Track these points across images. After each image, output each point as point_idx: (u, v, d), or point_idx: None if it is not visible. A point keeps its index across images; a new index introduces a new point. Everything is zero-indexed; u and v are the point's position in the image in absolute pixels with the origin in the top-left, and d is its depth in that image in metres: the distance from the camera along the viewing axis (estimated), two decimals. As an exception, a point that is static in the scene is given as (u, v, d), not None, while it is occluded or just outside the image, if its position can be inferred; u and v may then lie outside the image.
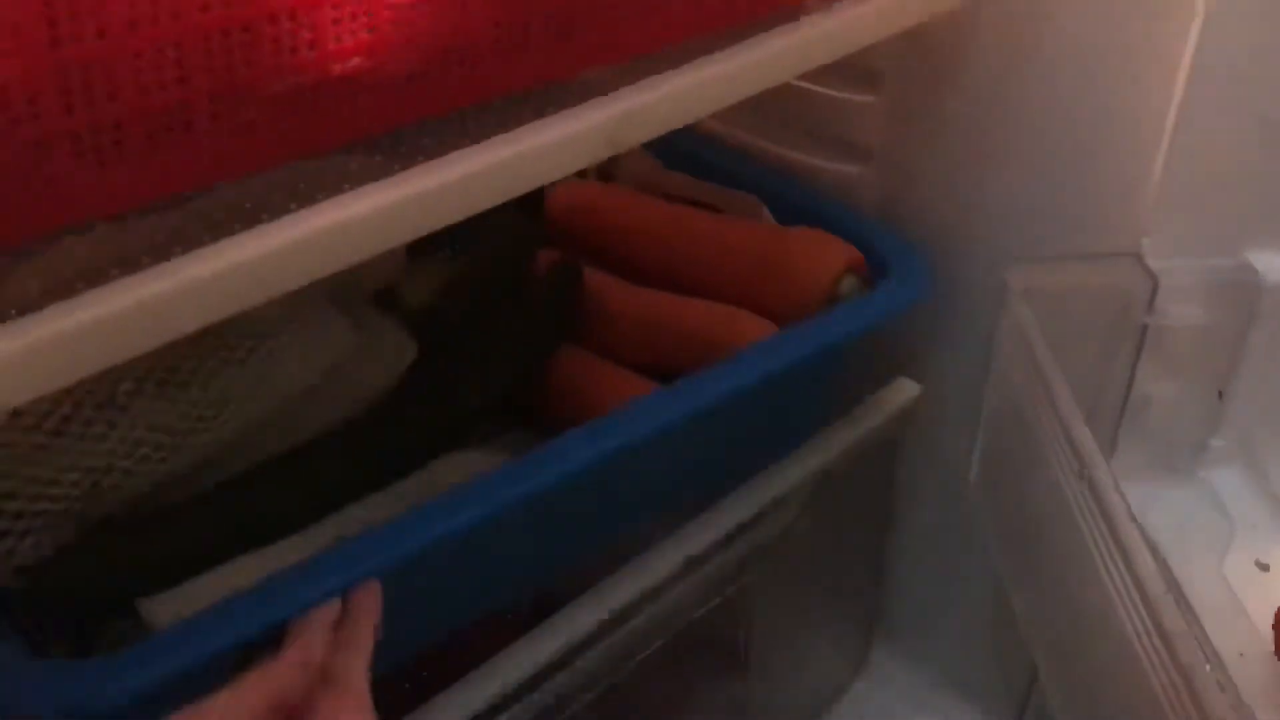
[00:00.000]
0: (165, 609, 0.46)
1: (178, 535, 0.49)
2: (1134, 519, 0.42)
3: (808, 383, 0.65)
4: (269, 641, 0.43)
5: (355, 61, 0.38)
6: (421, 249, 0.62)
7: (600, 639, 0.59)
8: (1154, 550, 0.41)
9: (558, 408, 0.61)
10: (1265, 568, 0.55)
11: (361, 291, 0.59)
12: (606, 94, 0.45)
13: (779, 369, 0.57)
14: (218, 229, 0.36)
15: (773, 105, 0.72)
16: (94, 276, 0.34)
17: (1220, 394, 0.57)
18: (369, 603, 0.45)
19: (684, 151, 0.73)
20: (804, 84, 0.69)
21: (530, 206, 0.70)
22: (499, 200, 0.43)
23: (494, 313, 0.63)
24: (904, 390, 0.74)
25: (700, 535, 0.63)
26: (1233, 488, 0.59)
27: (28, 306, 0.33)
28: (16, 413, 0.45)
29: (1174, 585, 0.41)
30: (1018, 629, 0.76)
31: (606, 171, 0.75)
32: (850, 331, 0.60)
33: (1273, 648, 0.50)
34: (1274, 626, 0.50)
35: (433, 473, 0.55)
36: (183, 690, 0.41)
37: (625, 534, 0.61)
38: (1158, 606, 0.39)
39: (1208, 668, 0.37)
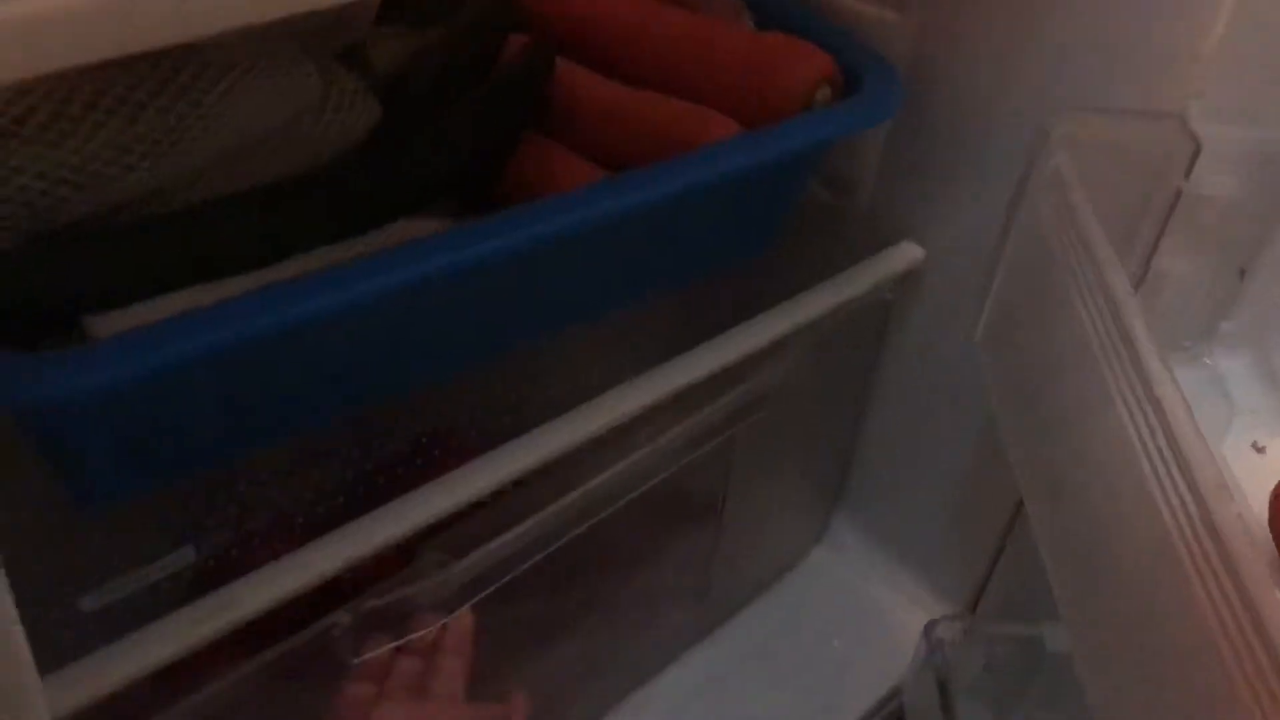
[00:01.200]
0: (111, 327, 0.44)
1: (128, 254, 0.47)
2: (1165, 363, 0.41)
3: (769, 191, 0.65)
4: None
5: None
6: (391, 15, 0.60)
7: (576, 485, 0.58)
8: (1185, 400, 0.40)
9: (519, 193, 0.60)
10: (1262, 450, 0.55)
11: (329, 48, 0.57)
12: None
13: (735, 169, 0.56)
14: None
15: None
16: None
17: (1242, 273, 0.56)
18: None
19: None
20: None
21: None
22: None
23: (461, 87, 0.62)
24: (907, 253, 0.72)
25: (683, 373, 0.62)
26: (1237, 372, 0.58)
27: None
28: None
29: (1197, 428, 0.40)
30: (981, 517, 0.77)
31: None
32: (815, 139, 0.60)
33: (1267, 524, 0.49)
34: (1271, 502, 0.49)
35: (386, 234, 0.54)
36: (117, 405, 0.39)
37: (585, 323, 0.61)
38: (1182, 444, 0.38)
39: (1234, 509, 0.36)
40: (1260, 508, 0.50)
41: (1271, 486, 0.50)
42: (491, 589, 0.56)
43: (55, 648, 0.40)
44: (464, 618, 0.55)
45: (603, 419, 0.58)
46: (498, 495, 0.56)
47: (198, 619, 0.45)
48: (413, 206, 0.58)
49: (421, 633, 0.53)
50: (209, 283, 0.49)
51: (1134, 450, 0.41)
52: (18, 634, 0.30)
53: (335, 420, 0.57)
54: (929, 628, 0.75)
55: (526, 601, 0.62)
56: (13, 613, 0.30)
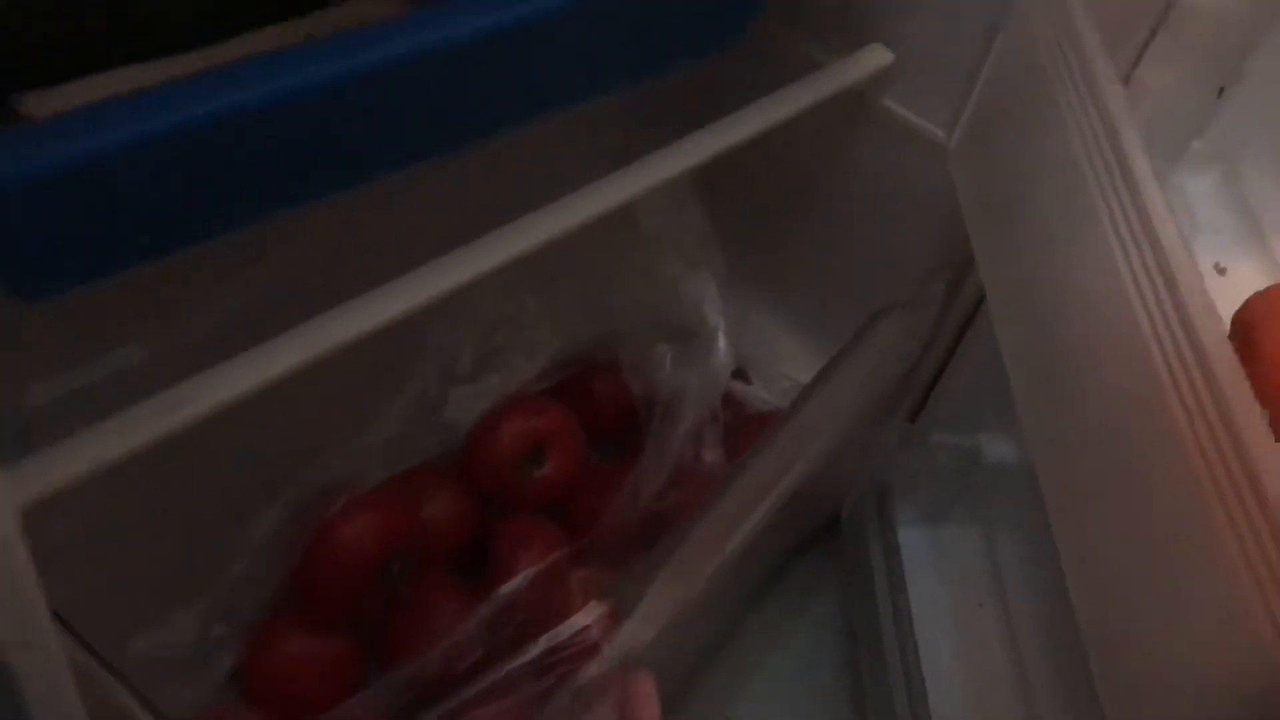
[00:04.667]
0: (47, 105, 0.41)
1: (61, 25, 0.43)
2: (1161, 186, 0.40)
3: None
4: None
5: None
6: None
7: None
8: (1174, 219, 0.40)
9: None
10: (1223, 271, 0.55)
11: None
12: None
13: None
14: None
15: None
16: None
17: (1221, 91, 0.55)
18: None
19: None
20: None
21: None
22: None
23: None
24: (876, 56, 0.70)
25: (642, 176, 0.60)
26: (1203, 192, 0.58)
27: None
28: None
29: (1190, 255, 0.39)
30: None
31: None
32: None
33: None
34: (1232, 324, 0.50)
35: (340, 13, 0.50)
36: (57, 190, 0.37)
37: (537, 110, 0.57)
38: (1174, 274, 0.38)
39: (1221, 331, 0.36)
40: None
41: (1232, 308, 0.51)
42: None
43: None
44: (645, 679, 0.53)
45: (580, 213, 0.55)
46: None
47: (158, 411, 0.43)
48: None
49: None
50: (145, 62, 0.45)
51: (1118, 269, 0.41)
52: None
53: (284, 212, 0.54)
54: (871, 434, 0.77)
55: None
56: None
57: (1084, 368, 0.43)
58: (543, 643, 0.56)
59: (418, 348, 0.67)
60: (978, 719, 0.71)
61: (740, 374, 0.78)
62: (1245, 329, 0.49)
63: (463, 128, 0.55)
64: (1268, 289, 0.48)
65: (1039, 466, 0.46)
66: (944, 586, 0.79)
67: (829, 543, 0.90)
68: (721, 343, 0.71)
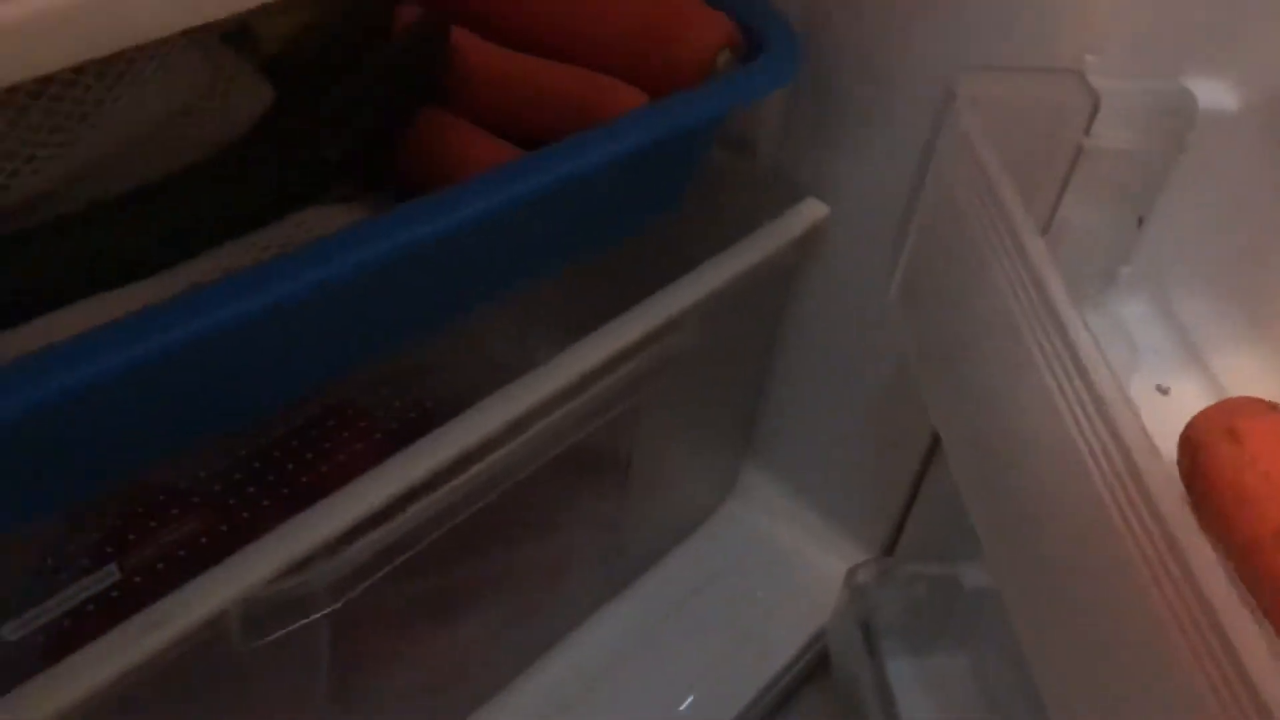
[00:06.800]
0: (6, 348, 0.42)
1: (15, 267, 0.44)
2: (1087, 328, 0.42)
3: (675, 159, 0.65)
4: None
5: None
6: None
7: (481, 458, 0.57)
8: (1105, 358, 0.41)
9: (418, 172, 0.59)
10: (1165, 391, 0.57)
11: (213, 28, 0.53)
12: None
13: (653, 138, 0.55)
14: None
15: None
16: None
17: (1140, 221, 0.58)
18: None
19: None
20: None
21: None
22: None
23: (352, 65, 0.59)
24: (812, 211, 0.73)
25: (592, 353, 0.62)
26: (1137, 315, 0.60)
27: None
28: None
29: (1123, 390, 0.41)
30: (894, 462, 0.78)
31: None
32: (725, 106, 0.59)
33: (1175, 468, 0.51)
34: (1180, 445, 0.51)
35: (291, 225, 0.52)
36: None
37: (490, 304, 0.60)
38: (1110, 409, 0.40)
39: (1164, 468, 0.38)
40: (1169, 450, 0.52)
41: (1176, 427, 0.52)
42: (389, 569, 0.54)
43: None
44: None
45: (512, 408, 0.57)
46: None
47: (134, 636, 0.43)
48: (313, 193, 0.56)
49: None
50: (108, 291, 0.47)
51: (1061, 416, 0.42)
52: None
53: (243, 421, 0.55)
54: (850, 573, 0.77)
55: (427, 576, 0.61)
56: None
57: (1037, 507, 0.44)
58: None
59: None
60: None
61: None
62: (1192, 449, 0.50)
63: (407, 326, 0.56)
64: (1208, 409, 0.49)
65: (1008, 602, 0.47)
66: (938, 717, 0.78)
67: (822, 679, 0.89)
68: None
